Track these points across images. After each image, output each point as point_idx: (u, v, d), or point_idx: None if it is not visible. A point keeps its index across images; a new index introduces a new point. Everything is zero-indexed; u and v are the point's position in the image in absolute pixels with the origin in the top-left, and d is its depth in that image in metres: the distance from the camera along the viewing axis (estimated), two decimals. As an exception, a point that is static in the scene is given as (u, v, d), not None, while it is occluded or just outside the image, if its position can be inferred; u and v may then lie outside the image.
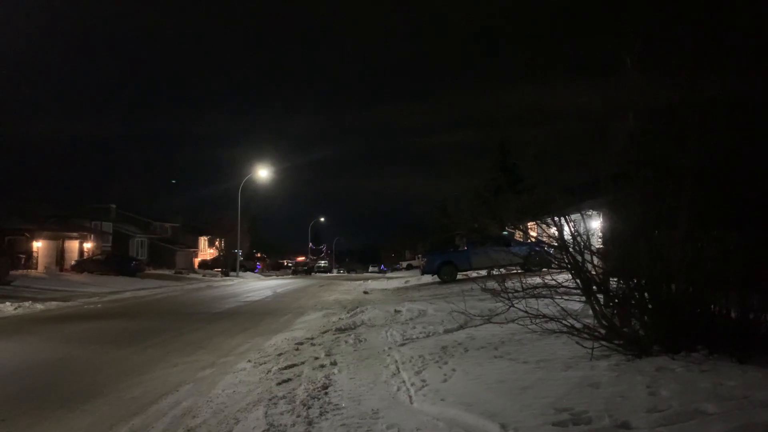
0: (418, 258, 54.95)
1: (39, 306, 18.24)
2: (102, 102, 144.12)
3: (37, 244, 38.72)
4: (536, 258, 9.07)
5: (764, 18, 5.84)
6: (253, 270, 61.96)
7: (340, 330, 11.32)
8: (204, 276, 46.92)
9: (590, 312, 6.39)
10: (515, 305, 6.52)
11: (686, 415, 3.94)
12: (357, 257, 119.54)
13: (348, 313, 14.97)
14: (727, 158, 5.80)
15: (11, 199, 42.63)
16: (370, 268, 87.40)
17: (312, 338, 10.57)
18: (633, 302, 5.96)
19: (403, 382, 6.15)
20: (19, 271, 30.93)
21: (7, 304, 17.66)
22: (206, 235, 67.36)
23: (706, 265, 5.59)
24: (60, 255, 41.60)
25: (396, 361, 7.27)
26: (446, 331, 9.22)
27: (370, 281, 37.13)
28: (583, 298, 6.42)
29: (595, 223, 7.25)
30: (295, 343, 10.01)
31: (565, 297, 6.41)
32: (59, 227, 42.55)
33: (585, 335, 6.01)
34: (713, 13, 5.82)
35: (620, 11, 6.09)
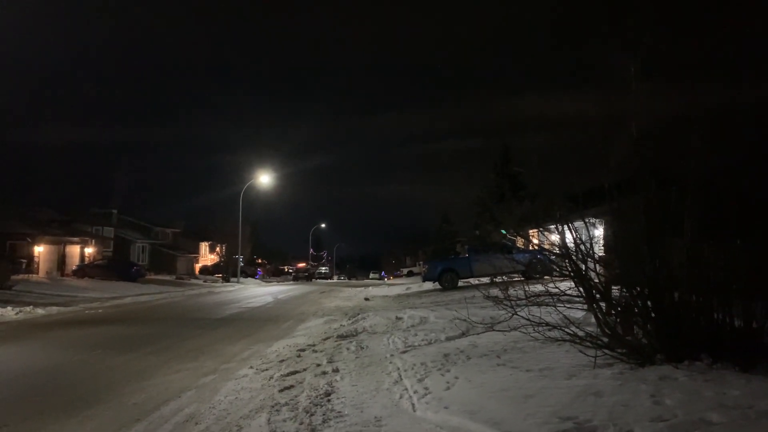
0: (419, 265, 54.94)
1: (40, 311, 18.23)
2: (105, 107, 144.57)
3: (39, 249, 38.70)
4: (538, 265, 9.05)
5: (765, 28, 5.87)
6: (254, 276, 61.94)
7: (342, 337, 11.31)
8: (205, 282, 46.87)
9: (593, 320, 6.40)
10: (518, 313, 6.52)
11: (691, 424, 3.94)
12: (358, 264, 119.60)
13: (349, 319, 14.96)
14: (731, 166, 5.81)
15: (13, 203, 42.68)
16: (371, 275, 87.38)
17: (314, 345, 10.56)
18: (636, 310, 5.95)
19: (406, 389, 6.14)
20: (21, 276, 30.87)
21: (9, 308, 17.64)
22: (207, 240, 67.36)
23: (710, 273, 5.59)
24: (61, 260, 41.57)
25: (398, 369, 7.26)
26: (448, 339, 9.21)
27: (371, 288, 37.10)
28: (586, 306, 6.42)
29: (598, 231, 7.25)
30: (297, 350, 10.00)
31: (568, 305, 6.41)
32: (61, 232, 42.53)
33: (588, 343, 6.00)
34: (718, 23, 5.85)
35: (626, 20, 6.11)
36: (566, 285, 6.62)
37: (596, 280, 6.30)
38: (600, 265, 6.48)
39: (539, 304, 6.54)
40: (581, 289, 6.26)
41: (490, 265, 8.79)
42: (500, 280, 7.86)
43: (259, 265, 75.38)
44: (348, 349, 9.53)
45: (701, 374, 5.01)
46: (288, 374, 7.88)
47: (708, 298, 5.60)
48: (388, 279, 72.39)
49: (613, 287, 6.35)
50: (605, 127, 6.31)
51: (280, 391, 6.89)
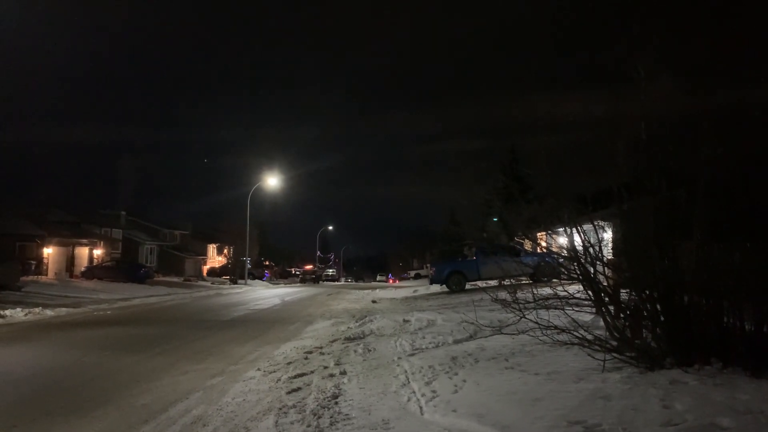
0: (427, 267, 54.88)
1: (49, 312, 18.32)
2: (114, 108, 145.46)
3: (48, 251, 38.94)
4: (546, 268, 9.00)
5: None
6: (261, 278, 62.02)
7: (349, 339, 11.30)
8: (212, 283, 46.98)
9: (601, 323, 6.36)
10: (526, 316, 6.49)
11: (701, 429, 3.91)
12: (365, 265, 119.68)
13: (356, 322, 14.95)
14: (741, 167, 5.77)
15: (22, 204, 42.99)
16: (378, 277, 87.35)
17: (321, 347, 10.56)
18: (645, 314, 5.92)
19: (414, 392, 6.12)
20: (30, 277, 31.08)
21: (18, 310, 17.74)
22: (215, 242, 67.60)
23: (720, 276, 5.55)
24: (70, 261, 41.82)
25: (406, 371, 7.24)
26: (456, 342, 9.19)
27: (378, 290, 37.08)
28: (594, 310, 6.39)
29: (607, 234, 7.21)
30: (305, 352, 10.00)
31: (576, 308, 6.38)
32: (70, 233, 42.76)
33: (596, 347, 5.97)
34: (727, 23, 5.81)
35: (634, 21, 6.08)
36: (575, 288, 6.59)
37: (605, 283, 6.27)
38: (609, 268, 6.45)
39: (547, 308, 6.52)
40: (590, 292, 6.23)
41: (498, 267, 8.72)
42: (508, 283, 7.81)
43: (267, 267, 75.43)
44: (355, 351, 9.52)
45: (711, 378, 4.97)
46: (295, 376, 7.88)
47: (718, 301, 5.55)
48: (393, 281, 72.11)
49: (622, 290, 6.31)
50: (614, 128, 6.28)
51: (288, 393, 6.89)
